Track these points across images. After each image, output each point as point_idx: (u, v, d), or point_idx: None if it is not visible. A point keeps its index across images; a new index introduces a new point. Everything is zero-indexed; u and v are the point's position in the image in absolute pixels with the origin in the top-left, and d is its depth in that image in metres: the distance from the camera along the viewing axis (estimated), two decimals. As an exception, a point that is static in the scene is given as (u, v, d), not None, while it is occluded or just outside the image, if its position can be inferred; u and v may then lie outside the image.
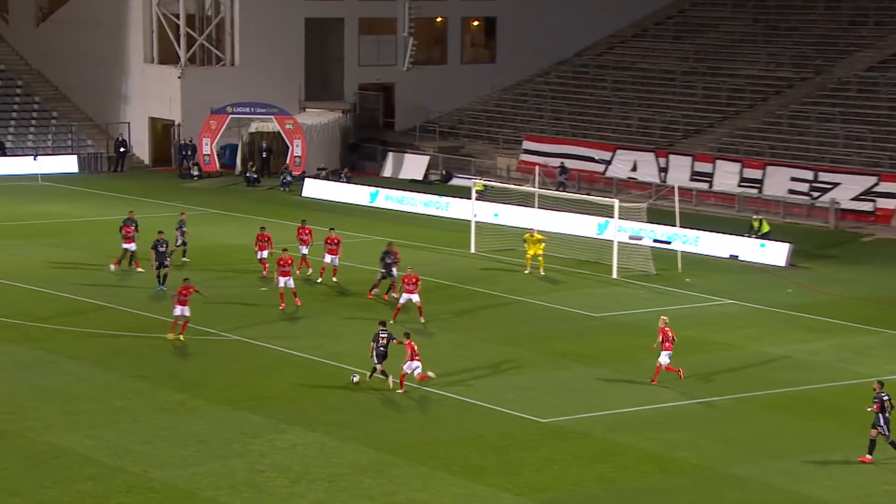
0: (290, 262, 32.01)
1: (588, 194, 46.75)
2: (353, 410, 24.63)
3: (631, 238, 39.52)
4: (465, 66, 64.04)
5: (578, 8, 63.85)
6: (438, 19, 64.02)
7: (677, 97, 57.15)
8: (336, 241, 34.98)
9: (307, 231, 36.31)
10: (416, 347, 25.86)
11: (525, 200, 42.97)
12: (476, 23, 65.33)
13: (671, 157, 51.90)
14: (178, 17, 57.52)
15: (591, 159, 53.68)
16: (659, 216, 42.53)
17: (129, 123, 58.48)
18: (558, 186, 50.33)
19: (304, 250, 35.94)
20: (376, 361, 26.02)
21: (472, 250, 40.35)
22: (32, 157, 54.92)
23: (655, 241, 40.92)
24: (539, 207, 42.24)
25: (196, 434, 23.16)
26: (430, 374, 26.11)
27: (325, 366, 27.67)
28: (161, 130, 59.29)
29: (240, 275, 35.70)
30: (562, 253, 39.87)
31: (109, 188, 51.96)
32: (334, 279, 34.85)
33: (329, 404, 25.00)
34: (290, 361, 27.90)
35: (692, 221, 43.61)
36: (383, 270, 33.31)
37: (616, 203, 38.52)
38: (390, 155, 57.93)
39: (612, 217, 38.75)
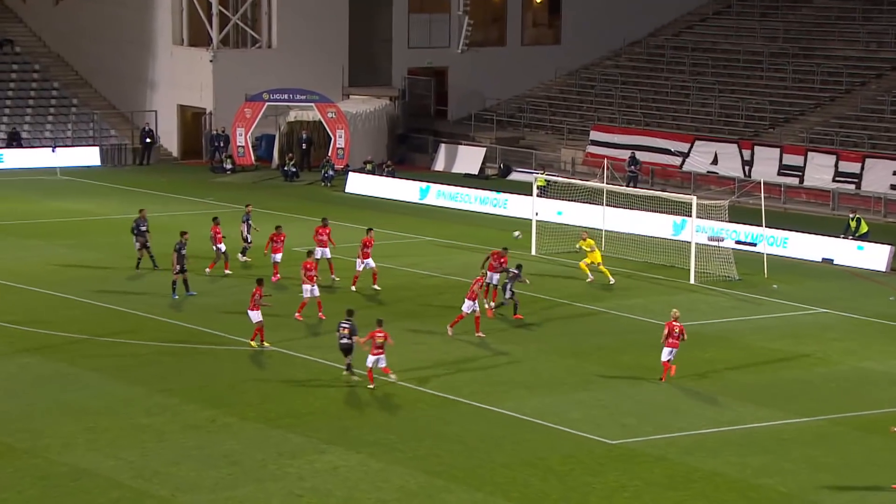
0: (314, 266, 31.98)
1: (663, 190, 46.54)
2: (400, 429, 24.72)
3: (711, 239, 39.32)
4: (527, 48, 64.02)
5: (653, -18, 63.68)
6: (497, -4, 64.13)
7: (764, 82, 56.76)
8: (370, 243, 34.80)
9: (327, 231, 36.00)
10: (379, 340, 26.44)
11: (592, 197, 42.88)
12: (539, 0, 65.28)
13: (757, 148, 51.56)
14: (209, -6, 58.15)
15: (667, 151, 53.45)
16: (743, 215, 42.22)
17: (156, 112, 59.12)
18: (629, 181, 50.19)
19: (320, 254, 35.31)
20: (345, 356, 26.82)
21: (533, 252, 40.33)
22: (50, 148, 55.71)
23: (738, 242, 40.67)
24: (607, 205, 42.14)
25: (228, 455, 23.33)
26: (392, 376, 26.71)
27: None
28: (191, 119, 59.88)
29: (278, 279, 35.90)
30: (633, 256, 39.73)
31: (134, 183, 52.54)
32: (374, 286, 34.79)
33: (374, 422, 25.11)
34: (331, 375, 28.05)
35: (780, 221, 43.26)
36: (509, 294, 32.47)
37: (694, 200, 38.34)
38: (442, 147, 58.05)
39: (689, 216, 38.56)
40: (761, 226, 39.96)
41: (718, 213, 39.89)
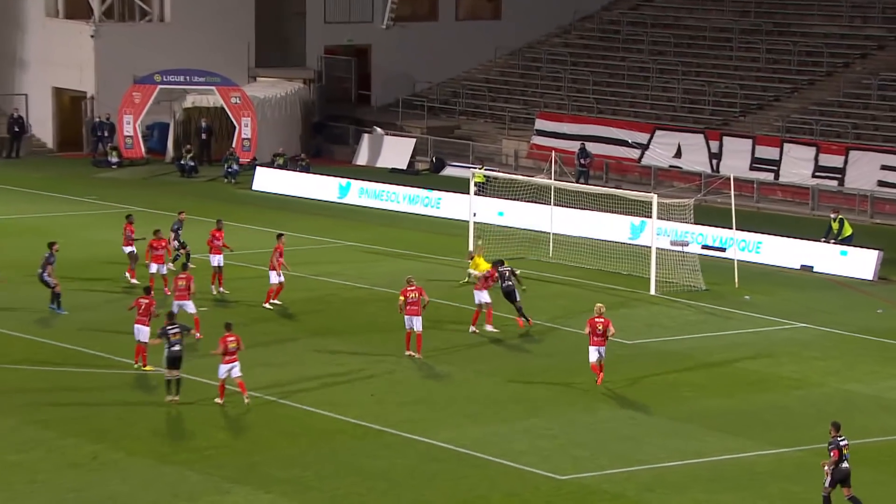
0: (189, 278, 31.85)
1: (619, 188, 46.81)
2: (316, 464, 24.65)
3: (673, 244, 39.61)
4: (462, 24, 64.22)
5: (607, -52, 64.17)
6: (427, -37, 64.26)
7: (734, 63, 57.35)
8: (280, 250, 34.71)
9: (221, 235, 35.79)
10: (231, 345, 26.95)
11: (538, 195, 43.06)
12: (475, -33, 65.59)
13: (725, 139, 52.07)
14: (91, -42, 57.69)
15: (624, 143, 53.85)
16: (710, 216, 42.59)
17: (26, 95, 58.55)
18: (578, 176, 50.48)
19: (216, 261, 35.46)
20: (166, 366, 27.08)
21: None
22: None
23: (705, 247, 41.01)
24: (555, 204, 42.35)
25: (113, 497, 23.12)
26: (246, 398, 27.16)
27: (283, 407, 27.67)
28: (69, 105, 59.35)
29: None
30: (585, 262, 39.94)
31: (2, 179, 51.94)
32: (274, 301, 34.64)
33: (286, 456, 25.01)
34: (237, 401, 27.88)
35: (753, 222, 43.68)
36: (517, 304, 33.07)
37: (655, 199, 38.62)
38: (365, 137, 58.04)
39: (649, 217, 38.83)
40: (731, 228, 40.34)
41: (682, 213, 40.19)
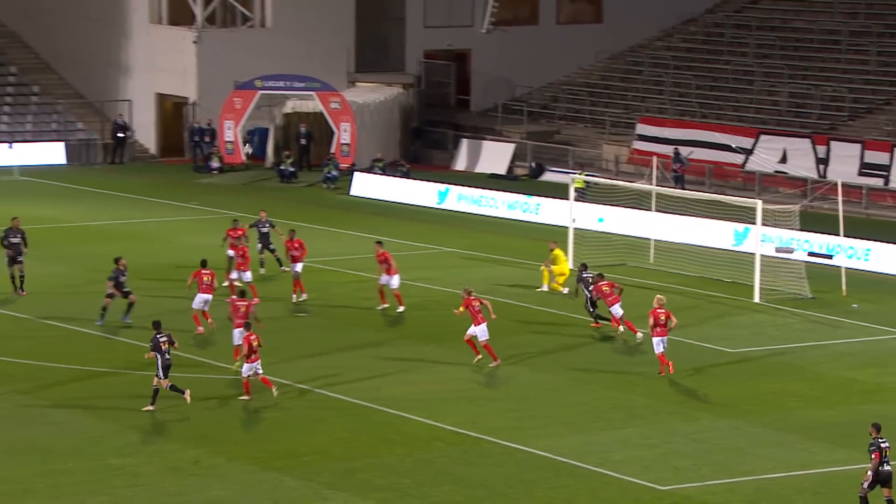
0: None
1: (722, 193, 46.45)
2: (414, 471, 24.75)
3: (779, 251, 39.27)
4: (563, 28, 64.14)
5: (711, -50, 63.74)
6: (528, -34, 64.27)
7: (842, 66, 56.67)
8: (386, 257, 34.95)
9: (297, 244, 35.81)
10: (254, 344, 27.71)
11: (639, 201, 42.88)
12: (577, -29, 65.50)
13: (833, 144, 51.49)
14: (193, -35, 58.48)
15: (727, 148, 53.43)
16: (817, 222, 42.12)
17: (130, 102, 59.45)
18: (675, 181, 50.11)
19: (297, 268, 35.68)
20: (161, 376, 27.40)
21: (571, 265, 40.35)
22: (7, 144, 56.05)
23: (811, 254, 40.57)
24: (657, 210, 42.15)
25: (214, 501, 23.39)
26: (274, 391, 27.74)
27: (381, 414, 27.85)
28: (171, 110, 60.17)
29: (272, 296, 36.03)
30: (687, 270, 39.70)
31: (105, 185, 52.81)
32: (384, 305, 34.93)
33: (384, 464, 25.15)
34: (336, 409, 28.12)
35: (862, 229, 43.13)
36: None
37: (759, 205, 38.32)
38: (464, 142, 58.17)
39: (753, 223, 38.54)
40: (839, 235, 39.90)
41: (788, 219, 39.85)
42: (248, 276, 35.30)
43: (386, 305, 34.99)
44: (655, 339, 30.03)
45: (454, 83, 62.25)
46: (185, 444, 25.89)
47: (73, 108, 60.20)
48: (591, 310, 33.71)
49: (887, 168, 49.99)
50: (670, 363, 29.98)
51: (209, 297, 32.38)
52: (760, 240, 38.06)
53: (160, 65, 59.28)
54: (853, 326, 35.04)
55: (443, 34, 62.14)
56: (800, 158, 51.76)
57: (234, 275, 35.51)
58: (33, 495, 23.55)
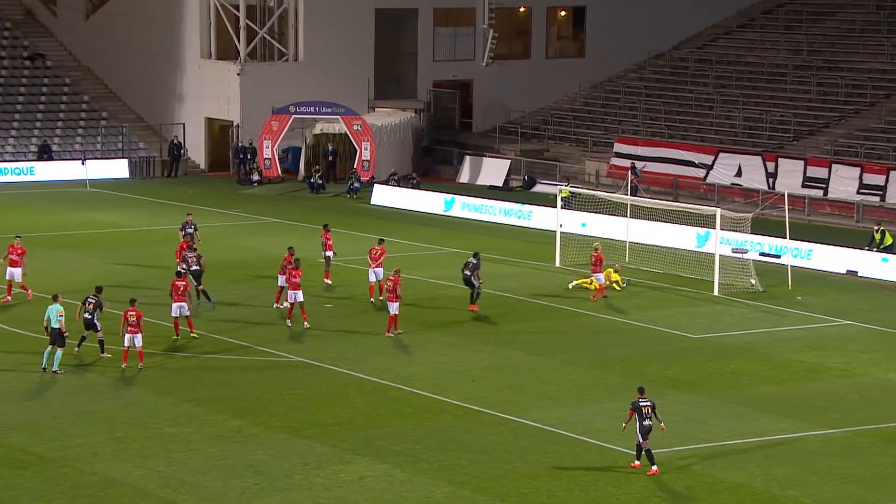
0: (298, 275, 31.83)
1: (687, 203, 46.33)
2: (426, 439, 24.72)
3: (735, 251, 39.15)
4: (551, 61, 64.01)
5: (677, -5, 63.57)
6: (521, 9, 64.10)
7: (788, 94, 56.51)
8: (381, 253, 34.82)
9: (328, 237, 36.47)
10: (132, 318, 28.18)
11: (616, 209, 42.78)
12: (563, 13, 65.28)
13: (781, 160, 51.32)
14: (237, 8, 58.33)
15: (691, 164, 53.28)
16: (767, 227, 42.01)
17: (183, 124, 59.41)
18: (632, 192, 49.80)
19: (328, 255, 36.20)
20: (85, 330, 28.86)
21: (558, 264, 40.28)
22: (80, 161, 56.04)
23: (762, 254, 40.47)
24: (632, 217, 42.02)
25: (254, 465, 23.37)
26: (141, 363, 28.40)
27: (396, 390, 27.80)
28: (218, 132, 60.12)
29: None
30: (657, 267, 39.61)
31: (162, 195, 52.78)
32: (379, 298, 34.72)
33: (400, 432, 25.11)
34: (357, 385, 28.08)
35: (804, 233, 43.03)
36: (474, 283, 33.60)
37: (718, 212, 38.20)
38: (467, 159, 58.07)
39: (713, 228, 38.42)
40: (785, 238, 39.76)
41: (742, 225, 39.71)
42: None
43: (373, 300, 34.63)
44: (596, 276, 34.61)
45: (458, 108, 62.12)
46: (229, 416, 25.87)
47: (135, 130, 60.18)
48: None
49: (826, 181, 49.80)
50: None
51: (184, 304, 30.83)
52: (719, 242, 37.93)
53: (209, 93, 59.26)
54: (798, 316, 34.92)
55: (449, 67, 62.05)
56: (752, 173, 51.60)
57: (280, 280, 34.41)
58: (101, 458, 23.56)
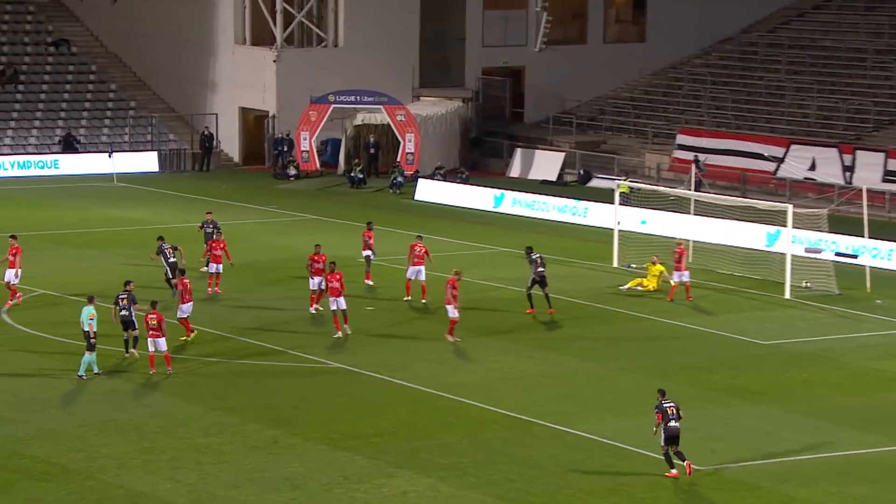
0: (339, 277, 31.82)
1: (756, 198, 46.07)
2: (473, 452, 24.72)
3: (808, 251, 38.90)
4: (609, 47, 63.84)
5: (746, -25, 63.22)
6: (577, -9, 64.03)
7: (868, 81, 56.04)
8: (425, 251, 34.90)
9: (371, 235, 36.63)
10: (153, 322, 28.53)
11: (678, 206, 42.59)
12: (622, -6, 65.16)
13: (858, 153, 50.93)
14: (273, -9, 58.72)
15: (760, 156, 52.99)
16: (843, 225, 41.67)
17: (216, 115, 59.80)
18: (696, 186, 49.47)
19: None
20: (124, 329, 29.36)
21: (615, 264, 40.18)
22: (107, 153, 56.54)
23: (838, 254, 40.16)
24: (695, 213, 41.84)
25: (291, 478, 23.47)
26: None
27: (442, 399, 27.83)
28: (253, 123, 60.48)
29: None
30: (723, 268, 39.41)
31: (194, 190, 53.15)
32: (419, 299, 34.76)
33: (445, 444, 25.13)
34: (401, 394, 28.13)
35: (885, 231, 42.64)
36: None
37: (790, 209, 37.96)
38: (518, 151, 58.05)
39: (784, 226, 38.18)
40: (864, 236, 39.44)
41: (816, 222, 39.44)
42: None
43: (409, 298, 34.77)
44: (676, 274, 34.87)
45: (509, 97, 62.12)
46: (264, 426, 25.99)
47: (165, 121, 60.65)
48: (529, 292, 33.53)
49: (909, 175, 49.40)
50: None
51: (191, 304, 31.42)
52: (791, 241, 37.70)
53: (243, 81, 59.60)
54: (877, 321, 34.63)
55: (499, 53, 62.04)
56: (827, 166, 51.24)
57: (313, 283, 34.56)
58: (128, 470, 23.75)
